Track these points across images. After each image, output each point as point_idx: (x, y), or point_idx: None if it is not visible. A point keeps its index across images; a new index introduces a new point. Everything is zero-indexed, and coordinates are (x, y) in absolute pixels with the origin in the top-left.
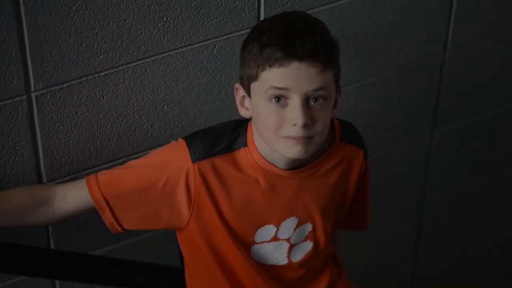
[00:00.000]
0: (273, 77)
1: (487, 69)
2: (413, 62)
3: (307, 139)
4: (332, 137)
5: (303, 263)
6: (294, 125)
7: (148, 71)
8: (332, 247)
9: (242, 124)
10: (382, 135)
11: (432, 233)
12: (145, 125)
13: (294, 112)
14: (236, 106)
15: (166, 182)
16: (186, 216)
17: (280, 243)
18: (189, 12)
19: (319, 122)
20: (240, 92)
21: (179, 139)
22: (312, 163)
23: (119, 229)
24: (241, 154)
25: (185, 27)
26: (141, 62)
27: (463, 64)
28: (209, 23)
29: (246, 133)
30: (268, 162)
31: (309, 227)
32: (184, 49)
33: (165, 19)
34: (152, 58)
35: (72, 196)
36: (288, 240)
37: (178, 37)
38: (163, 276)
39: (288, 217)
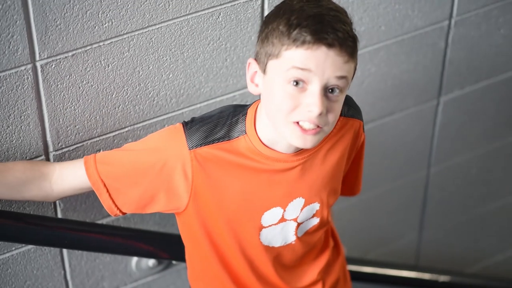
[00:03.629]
0: (297, 57)
1: (494, 35)
2: (419, 29)
3: (315, 130)
4: None
5: (306, 239)
6: (309, 111)
7: (153, 39)
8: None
9: (241, 111)
10: (388, 102)
11: (438, 200)
12: (151, 93)
13: (312, 98)
14: (242, 74)
15: (162, 167)
16: (185, 200)
17: (287, 223)
18: None
19: (332, 113)
20: (253, 67)
21: (177, 124)
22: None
23: (118, 212)
24: (240, 142)
25: None
26: (146, 30)
27: (469, 30)
28: None
29: (245, 120)
30: (269, 148)
31: (317, 206)
32: (189, 16)
33: None
34: (157, 26)
35: (70, 175)
36: (295, 219)
37: (183, 4)
38: (168, 245)
39: (295, 198)
